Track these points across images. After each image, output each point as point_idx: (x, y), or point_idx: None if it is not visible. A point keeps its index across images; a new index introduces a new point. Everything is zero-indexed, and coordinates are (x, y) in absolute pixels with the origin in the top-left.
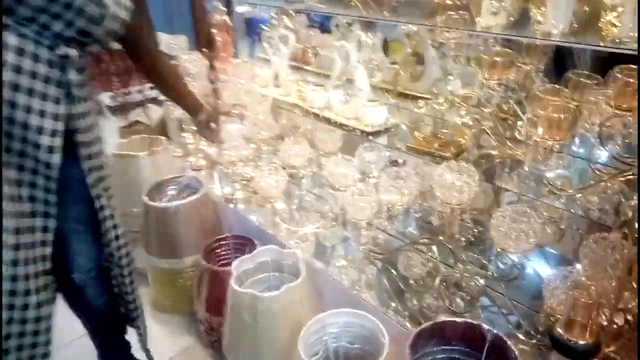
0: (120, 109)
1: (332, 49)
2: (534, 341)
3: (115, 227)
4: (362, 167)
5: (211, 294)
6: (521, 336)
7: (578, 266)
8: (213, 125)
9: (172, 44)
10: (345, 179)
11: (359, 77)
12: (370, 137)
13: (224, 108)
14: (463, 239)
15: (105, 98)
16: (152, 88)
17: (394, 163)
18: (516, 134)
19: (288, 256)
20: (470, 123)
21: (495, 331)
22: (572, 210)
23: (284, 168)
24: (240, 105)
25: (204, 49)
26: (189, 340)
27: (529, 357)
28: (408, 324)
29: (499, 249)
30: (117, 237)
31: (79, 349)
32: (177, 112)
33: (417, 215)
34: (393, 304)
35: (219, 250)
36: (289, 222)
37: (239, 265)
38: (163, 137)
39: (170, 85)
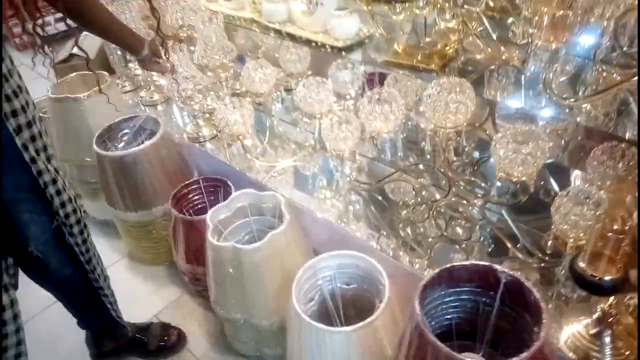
0: (50, 42)
1: None
2: (542, 265)
3: (59, 192)
4: (337, 88)
5: (189, 244)
6: (526, 259)
7: (577, 173)
8: (160, 56)
9: None
10: (321, 105)
11: None
12: (344, 53)
13: (169, 32)
14: (456, 161)
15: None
16: None
17: (371, 76)
18: (510, 35)
19: (267, 198)
20: (457, 27)
21: (510, 272)
22: (578, 119)
23: (248, 97)
24: (187, 26)
25: None
26: (176, 292)
27: (536, 280)
28: (402, 255)
29: (502, 174)
30: (62, 204)
31: (51, 318)
32: None
33: (404, 136)
34: (384, 234)
35: (190, 196)
36: (262, 157)
37: (214, 215)
38: (106, 73)
39: (95, 22)
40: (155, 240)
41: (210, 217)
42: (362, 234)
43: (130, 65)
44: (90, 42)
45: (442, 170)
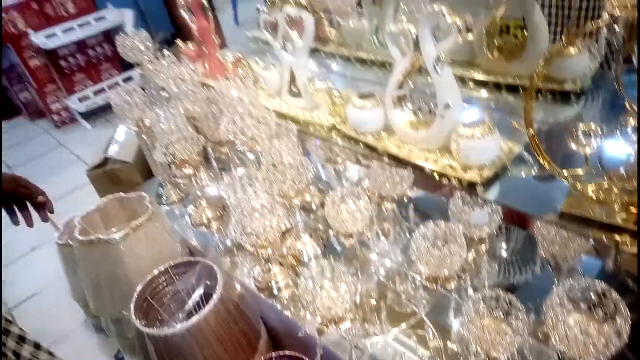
0: (94, 115)
1: (360, 20)
2: None
3: None
4: (470, 233)
5: None
6: None
7: None
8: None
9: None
10: (451, 265)
11: (443, 83)
12: (480, 190)
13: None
14: None
15: (75, 102)
16: (126, 80)
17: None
18: None
19: None
20: None
21: None
22: None
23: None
24: (248, 139)
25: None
26: None
27: None
28: None
29: None
30: None
31: None
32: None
33: None
34: None
35: None
36: (355, 321)
37: None
38: (145, 196)
39: None
40: None
41: None
42: None
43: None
44: (128, 141)
45: None
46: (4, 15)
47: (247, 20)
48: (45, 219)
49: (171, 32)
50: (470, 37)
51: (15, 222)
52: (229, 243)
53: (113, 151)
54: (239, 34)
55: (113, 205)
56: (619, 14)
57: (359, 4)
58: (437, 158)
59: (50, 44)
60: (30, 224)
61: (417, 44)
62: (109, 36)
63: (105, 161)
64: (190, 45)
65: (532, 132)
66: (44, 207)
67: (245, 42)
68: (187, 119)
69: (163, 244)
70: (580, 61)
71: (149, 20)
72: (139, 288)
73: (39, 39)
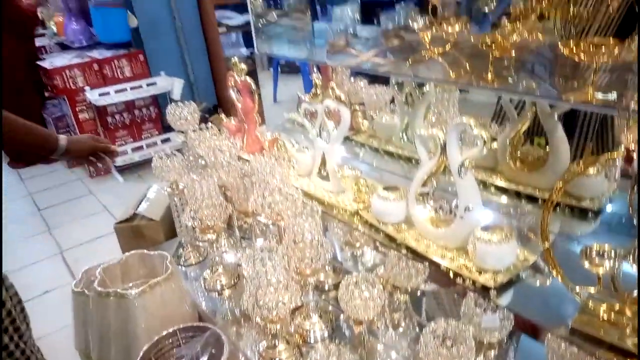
0: (128, 170)
1: (392, 114)
2: None
3: None
4: (480, 336)
5: None
6: None
7: None
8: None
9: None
10: None
11: (465, 187)
12: (493, 293)
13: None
14: None
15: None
16: (164, 141)
17: None
18: None
19: None
20: None
21: None
22: None
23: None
24: (274, 212)
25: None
26: None
27: None
28: None
29: None
30: None
31: None
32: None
33: None
34: None
35: None
36: None
37: None
38: (166, 255)
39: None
40: None
41: None
42: None
43: (197, 233)
44: (158, 200)
45: None
46: (66, 72)
47: (283, 100)
48: (114, 161)
49: (214, 103)
50: (495, 145)
51: (98, 172)
52: (237, 312)
53: (142, 208)
54: (276, 111)
55: (134, 259)
56: (633, 148)
57: (392, 102)
58: (453, 256)
59: (102, 101)
60: (109, 169)
61: (443, 148)
62: (156, 99)
63: (133, 216)
64: (232, 120)
65: (547, 245)
66: (115, 154)
67: (282, 120)
68: (219, 187)
69: (175, 305)
70: (598, 181)
71: (195, 90)
72: (145, 347)
73: (93, 95)
